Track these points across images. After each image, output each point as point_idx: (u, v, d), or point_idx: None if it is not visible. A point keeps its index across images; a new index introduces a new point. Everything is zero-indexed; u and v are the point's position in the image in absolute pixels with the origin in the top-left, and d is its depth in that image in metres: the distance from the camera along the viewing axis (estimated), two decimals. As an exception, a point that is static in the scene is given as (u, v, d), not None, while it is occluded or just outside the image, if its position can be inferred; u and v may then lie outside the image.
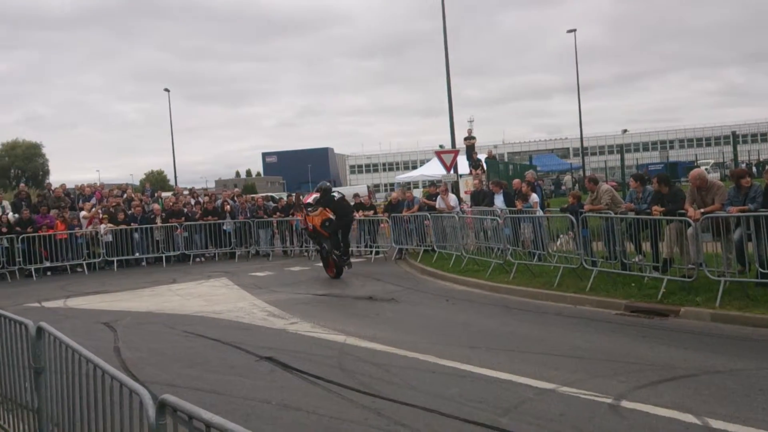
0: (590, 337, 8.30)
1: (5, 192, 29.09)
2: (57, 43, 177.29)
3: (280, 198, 24.01)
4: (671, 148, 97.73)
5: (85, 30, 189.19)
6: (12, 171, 76.26)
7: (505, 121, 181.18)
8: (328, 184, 16.38)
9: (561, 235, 12.69)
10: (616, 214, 11.08)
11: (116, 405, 3.44)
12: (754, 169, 37.78)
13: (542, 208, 15.91)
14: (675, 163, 58.60)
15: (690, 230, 9.52)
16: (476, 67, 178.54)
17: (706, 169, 29.70)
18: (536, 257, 12.69)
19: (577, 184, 42.73)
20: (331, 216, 14.78)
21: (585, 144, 54.04)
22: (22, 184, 26.08)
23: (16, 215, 18.70)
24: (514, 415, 5.45)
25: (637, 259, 10.88)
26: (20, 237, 17.33)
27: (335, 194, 15.47)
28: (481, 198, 17.56)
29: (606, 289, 10.51)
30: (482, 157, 24.95)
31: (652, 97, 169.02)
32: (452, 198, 18.15)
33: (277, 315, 10.68)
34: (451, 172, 21.09)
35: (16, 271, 17.42)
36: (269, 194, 30.71)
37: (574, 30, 47.44)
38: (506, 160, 55.54)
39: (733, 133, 63.28)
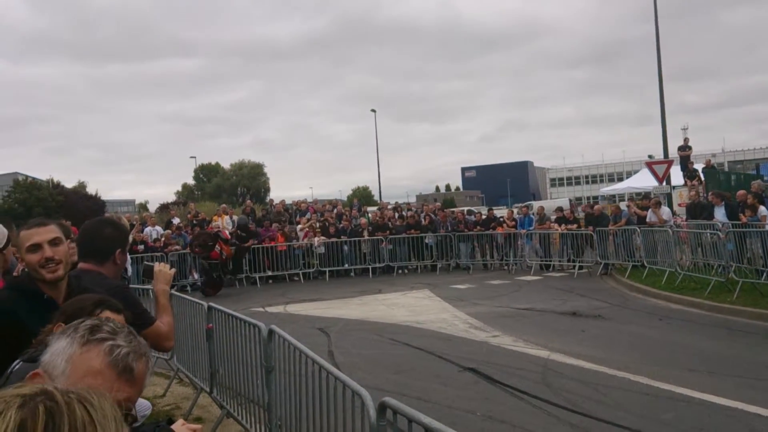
0: (835, 366, 7.32)
1: (234, 207, 32.41)
2: (283, 73, 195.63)
3: (478, 212, 24.10)
4: None
5: (307, 59, 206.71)
6: (239, 189, 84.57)
7: (725, 127, 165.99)
8: (246, 218, 20.50)
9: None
10: None
11: (339, 404, 3.71)
12: None
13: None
14: None
15: None
16: (694, 70, 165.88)
17: None
18: (765, 275, 11.44)
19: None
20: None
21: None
22: (248, 201, 28.87)
23: (244, 228, 20.80)
24: (741, 447, 5.00)
25: None
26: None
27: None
28: (699, 210, 16.22)
29: None
30: (699, 167, 23.03)
31: None
32: (665, 211, 16.99)
33: (479, 327, 10.74)
34: (664, 183, 19.74)
35: (243, 279, 19.31)
36: (470, 208, 30.92)
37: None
38: (726, 169, 50.64)
39: None
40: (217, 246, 17.09)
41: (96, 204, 44.99)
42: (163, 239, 19.16)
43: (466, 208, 31.06)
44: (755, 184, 16.84)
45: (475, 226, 21.08)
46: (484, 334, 10.13)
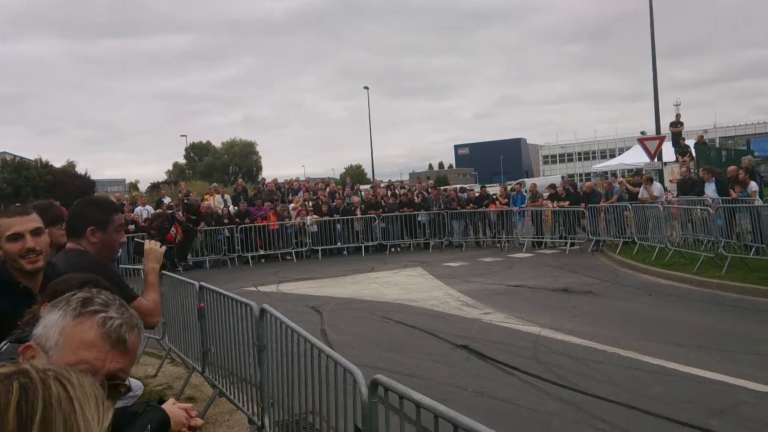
0: (821, 340, 7.42)
1: (225, 186, 32.30)
2: (276, 49, 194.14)
3: (471, 189, 24.12)
4: None
5: (300, 35, 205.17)
6: (230, 168, 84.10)
7: (717, 103, 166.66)
8: (197, 201, 19.70)
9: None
10: None
11: (331, 382, 3.73)
12: None
13: (761, 196, 14.41)
14: None
15: None
16: (688, 45, 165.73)
17: None
18: (753, 250, 11.54)
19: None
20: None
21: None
22: (239, 180, 28.75)
23: (236, 207, 20.75)
24: (727, 418, 5.08)
25: None
26: (239, 227, 19.20)
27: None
28: (690, 187, 16.31)
29: (842, 287, 9.30)
30: (690, 143, 23.09)
31: None
32: (656, 187, 17.06)
33: (471, 305, 10.80)
34: (655, 159, 19.79)
35: (236, 258, 19.29)
36: (462, 186, 30.96)
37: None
38: (718, 145, 50.79)
39: None
40: (172, 228, 16.82)
41: (85, 184, 44.58)
42: (154, 219, 19.09)
43: (459, 186, 31.11)
44: (746, 160, 16.93)
45: (468, 204, 21.09)
46: (477, 312, 10.20)
